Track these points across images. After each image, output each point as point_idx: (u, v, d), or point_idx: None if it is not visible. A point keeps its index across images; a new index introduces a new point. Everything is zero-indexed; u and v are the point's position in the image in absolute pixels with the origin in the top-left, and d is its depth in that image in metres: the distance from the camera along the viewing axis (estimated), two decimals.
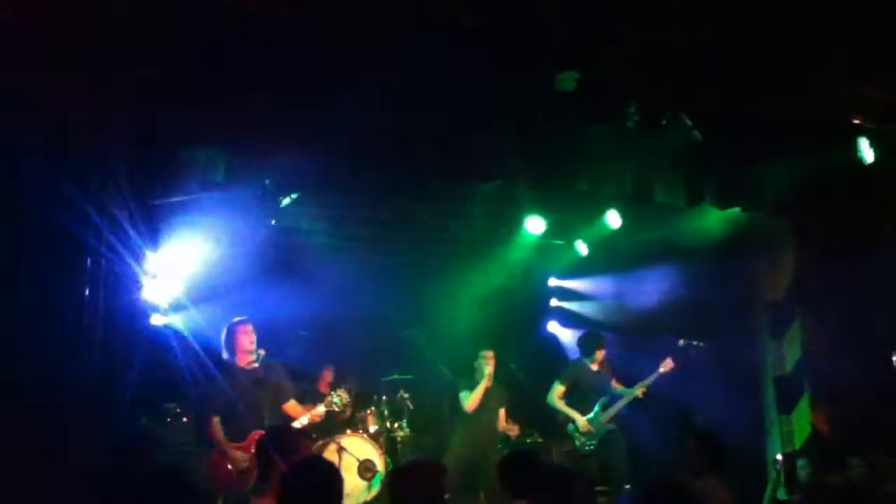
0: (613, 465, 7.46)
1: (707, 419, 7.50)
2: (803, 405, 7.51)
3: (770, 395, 7.82)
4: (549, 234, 8.22)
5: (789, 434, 7.59)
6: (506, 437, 8.04)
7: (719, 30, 5.22)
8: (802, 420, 7.49)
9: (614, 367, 7.90)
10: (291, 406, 6.42)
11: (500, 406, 7.80)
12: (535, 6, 5.01)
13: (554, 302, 9.94)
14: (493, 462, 7.23)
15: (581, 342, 7.89)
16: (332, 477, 3.45)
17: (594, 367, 7.73)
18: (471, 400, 7.61)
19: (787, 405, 7.64)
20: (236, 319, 6.31)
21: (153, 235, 5.36)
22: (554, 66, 5.51)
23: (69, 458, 4.46)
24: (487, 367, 7.66)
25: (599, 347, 7.73)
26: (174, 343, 6.03)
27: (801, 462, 6.81)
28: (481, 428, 7.67)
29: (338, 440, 7.13)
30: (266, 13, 4.79)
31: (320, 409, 6.39)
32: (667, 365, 7.50)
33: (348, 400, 6.72)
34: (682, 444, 4.63)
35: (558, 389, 7.72)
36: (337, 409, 6.65)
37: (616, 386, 7.72)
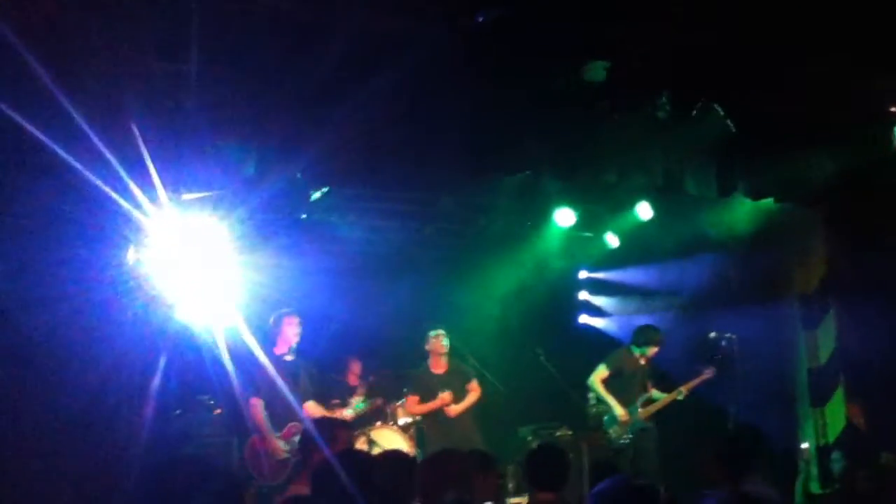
0: (646, 460, 7.36)
1: (738, 413, 7.42)
2: (837, 398, 7.42)
3: (803, 387, 7.73)
4: (578, 226, 8.19)
5: (823, 427, 7.50)
6: (534, 430, 8.04)
7: (750, 19, 5.15)
8: (836, 413, 7.40)
9: (656, 370, 7.71)
10: (310, 406, 6.46)
11: (465, 385, 7.46)
12: None
13: (583, 295, 9.90)
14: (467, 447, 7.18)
15: (637, 332, 7.61)
16: (369, 467, 3.50)
17: (642, 361, 7.55)
18: (415, 409, 7.35)
19: (820, 398, 7.56)
20: (283, 311, 6.44)
21: (185, 229, 5.41)
22: (583, 56, 5.48)
23: (103, 448, 4.53)
24: (438, 345, 7.42)
25: (654, 343, 7.49)
26: (206, 334, 6.10)
27: (834, 455, 6.72)
28: (449, 423, 7.33)
29: (368, 432, 7.17)
30: (294, 10, 4.82)
31: (347, 412, 6.52)
32: (710, 372, 7.35)
33: (370, 406, 6.81)
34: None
35: (602, 373, 7.53)
36: (358, 416, 6.76)
37: (651, 390, 7.57)
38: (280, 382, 5.96)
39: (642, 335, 7.56)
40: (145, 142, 4.39)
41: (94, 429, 4.41)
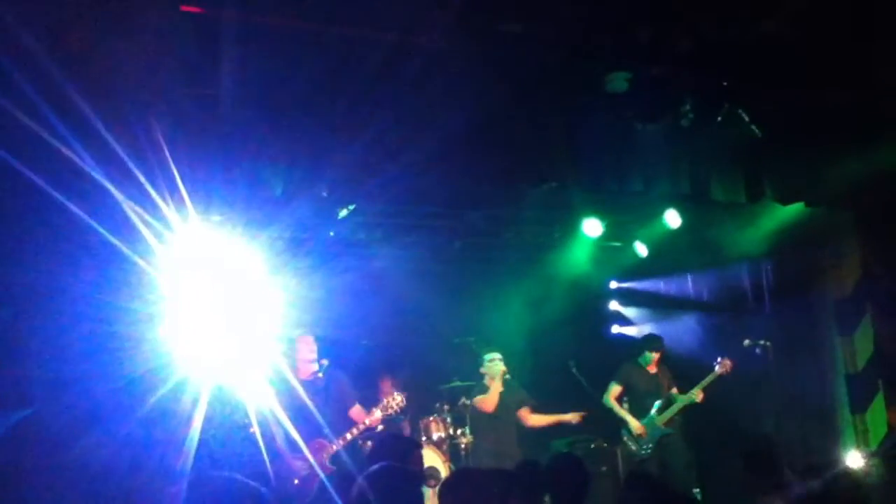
0: (674, 468, 7.32)
1: (775, 423, 7.32)
2: (878, 404, 7.28)
3: (842, 394, 7.60)
4: (606, 236, 8.16)
5: (864, 434, 7.36)
6: (569, 443, 7.99)
7: (774, 22, 5.13)
8: (878, 419, 7.26)
9: (671, 372, 7.74)
10: (356, 411, 6.49)
11: (518, 407, 7.46)
12: (585, 7, 5.01)
13: (615, 304, 9.84)
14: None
15: (637, 343, 7.85)
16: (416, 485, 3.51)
17: (650, 370, 7.64)
18: (486, 401, 7.31)
19: (860, 404, 7.42)
20: (297, 332, 6.43)
21: (215, 251, 5.48)
22: (604, 66, 5.49)
23: (138, 468, 4.58)
24: (497, 370, 7.36)
25: (654, 349, 7.63)
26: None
27: (874, 462, 6.59)
28: (497, 434, 7.34)
29: None
30: (317, 29, 4.90)
31: (376, 413, 6.40)
32: (724, 366, 7.34)
33: (403, 404, 6.65)
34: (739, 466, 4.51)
35: (614, 390, 7.66)
36: (391, 412, 6.61)
37: (673, 392, 7.57)
38: (303, 403, 5.98)
39: (640, 345, 7.76)
40: (175, 163, 4.47)
41: (124, 449, 4.46)
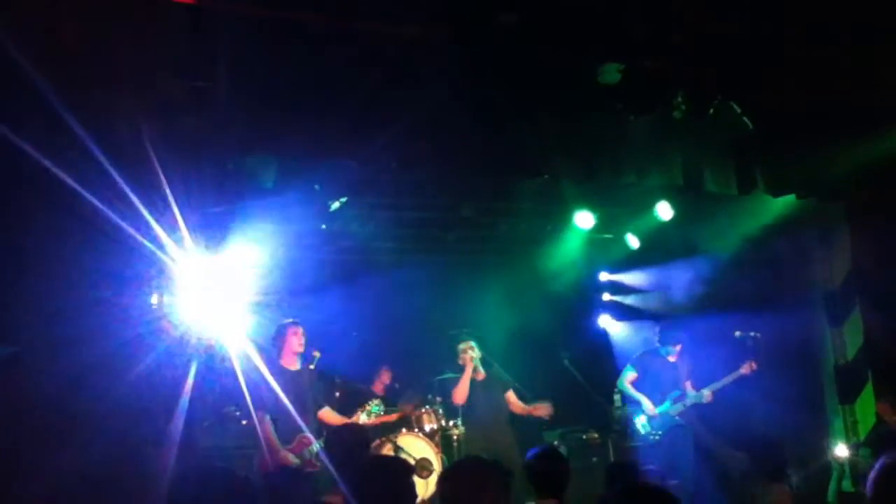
0: (680, 459, 7.31)
1: (765, 415, 7.36)
2: (867, 394, 7.33)
3: (831, 384, 7.65)
4: (598, 228, 8.18)
5: (853, 425, 7.42)
6: (560, 434, 8.01)
7: (766, 15, 5.14)
8: (866, 410, 7.31)
9: (691, 366, 7.69)
10: (326, 413, 6.47)
11: (503, 391, 7.50)
12: None
13: (606, 296, 9.87)
14: (506, 454, 6.95)
15: (660, 332, 7.72)
16: (407, 476, 3.52)
17: (670, 360, 7.60)
18: (456, 392, 7.36)
19: (849, 395, 7.48)
20: (287, 321, 6.38)
21: (210, 243, 5.48)
22: (597, 58, 5.49)
23: (131, 460, 4.59)
24: (466, 358, 7.40)
25: (677, 341, 7.57)
26: (229, 346, 6.14)
27: (862, 452, 6.64)
28: (483, 420, 7.38)
29: (393, 439, 7.19)
30: (309, 22, 4.89)
31: (362, 417, 6.42)
32: (749, 366, 7.30)
33: (383, 410, 6.73)
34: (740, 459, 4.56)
35: (629, 375, 7.66)
36: (371, 420, 6.60)
37: (688, 388, 7.53)
38: (289, 394, 5.95)
39: (664, 335, 7.64)
40: (172, 157, 4.47)
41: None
